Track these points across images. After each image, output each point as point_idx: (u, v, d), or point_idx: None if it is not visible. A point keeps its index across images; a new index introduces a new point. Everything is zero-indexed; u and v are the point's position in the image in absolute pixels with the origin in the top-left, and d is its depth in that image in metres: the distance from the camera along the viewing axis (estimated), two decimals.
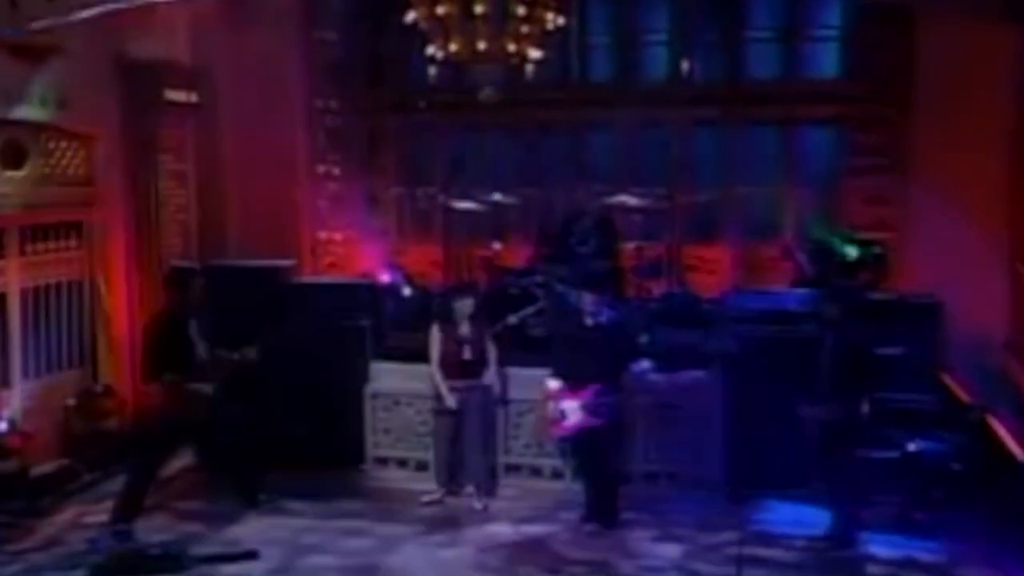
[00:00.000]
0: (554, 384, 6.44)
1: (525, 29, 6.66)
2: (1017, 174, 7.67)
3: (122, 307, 7.97)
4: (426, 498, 6.98)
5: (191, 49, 8.58)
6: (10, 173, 7.15)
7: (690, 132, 9.22)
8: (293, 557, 6.10)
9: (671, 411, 7.01)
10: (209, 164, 8.82)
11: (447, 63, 6.92)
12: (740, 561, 5.97)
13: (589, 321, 6.52)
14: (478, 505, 6.88)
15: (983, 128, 7.79)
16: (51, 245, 7.58)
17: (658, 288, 8.52)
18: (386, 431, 7.59)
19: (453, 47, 6.63)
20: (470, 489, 7.01)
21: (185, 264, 7.83)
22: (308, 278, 8.63)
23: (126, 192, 8.05)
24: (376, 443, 7.61)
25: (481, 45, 6.56)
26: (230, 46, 8.80)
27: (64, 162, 7.64)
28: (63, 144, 7.60)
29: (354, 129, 9.68)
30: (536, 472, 7.29)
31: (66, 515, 6.73)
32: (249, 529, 6.52)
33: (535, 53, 6.84)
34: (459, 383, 6.90)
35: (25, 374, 7.31)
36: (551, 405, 6.43)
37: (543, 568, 5.99)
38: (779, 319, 6.89)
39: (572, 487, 6.92)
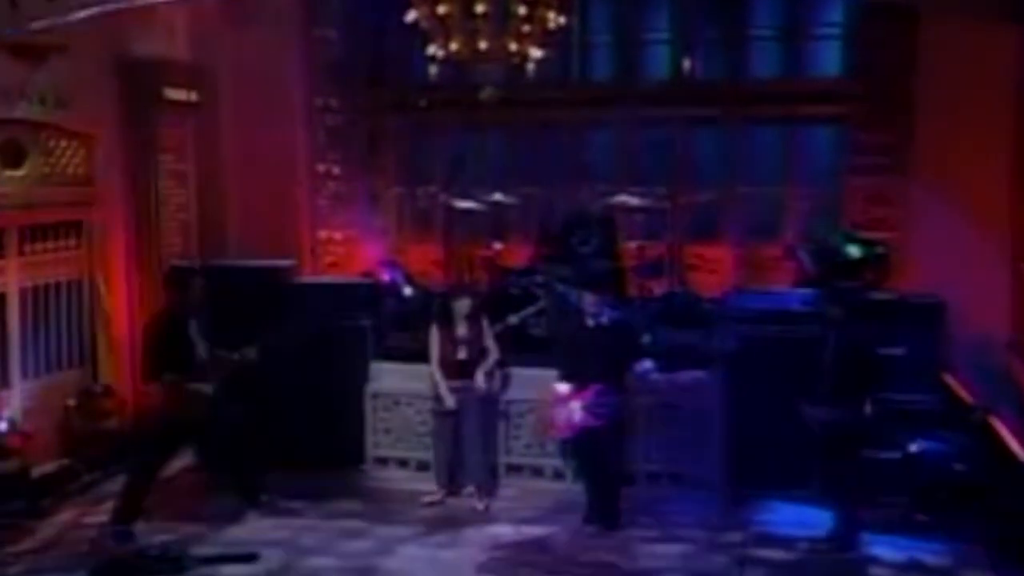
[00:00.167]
0: (563, 388, 6.41)
1: (526, 28, 6.64)
2: (1019, 173, 7.65)
3: (122, 307, 7.95)
4: (426, 499, 6.96)
5: (191, 48, 8.56)
6: (9, 172, 7.13)
7: (691, 131, 9.19)
8: (293, 558, 6.09)
9: (672, 411, 6.99)
10: (209, 163, 8.80)
11: (448, 62, 6.89)
12: (742, 562, 5.98)
13: (590, 322, 6.50)
14: (479, 506, 6.86)
15: (986, 127, 7.77)
16: (51, 245, 7.55)
17: (659, 288, 8.49)
18: (386, 431, 7.57)
19: (454, 46, 6.61)
20: (471, 489, 6.99)
21: (185, 264, 7.81)
22: (308, 278, 8.61)
23: (126, 191, 8.04)
24: (376, 443, 7.59)
25: (482, 44, 6.54)
26: (230, 45, 8.80)
27: (64, 161, 7.61)
28: (63, 143, 7.57)
29: (354, 128, 9.66)
30: (537, 473, 7.27)
31: (66, 516, 6.71)
32: (249, 530, 6.51)
33: (536, 52, 6.82)
34: (456, 383, 6.88)
35: (25, 374, 7.29)
36: (562, 408, 6.40)
37: (544, 569, 5.97)
38: (781, 319, 6.86)
39: (573, 488, 6.90)
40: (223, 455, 6.89)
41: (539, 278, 8.12)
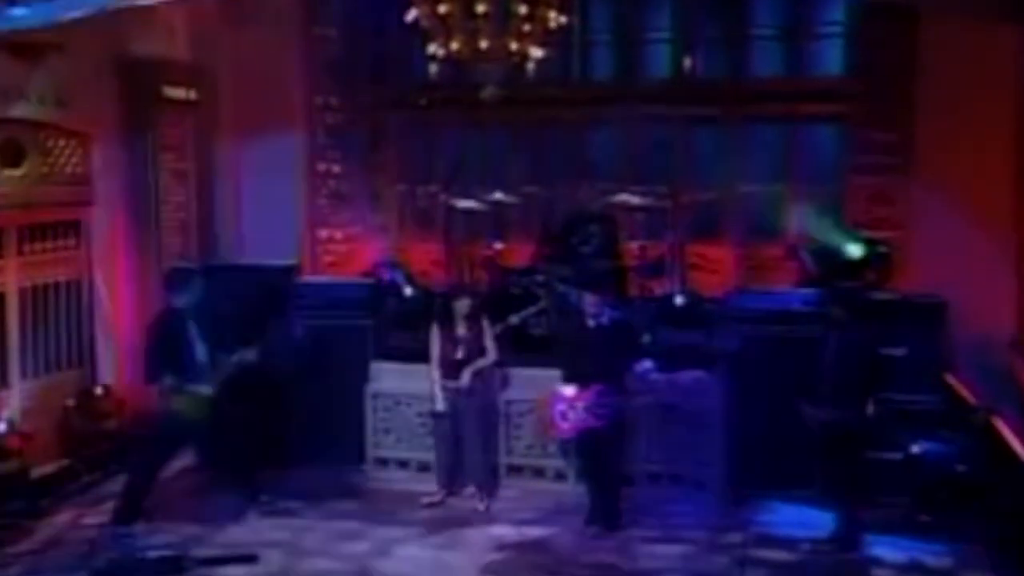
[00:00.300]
0: (567, 389, 6.38)
1: (527, 28, 6.62)
2: (1022, 172, 7.62)
3: (121, 306, 7.94)
4: (426, 499, 6.94)
5: (190, 46, 8.54)
6: (8, 172, 7.11)
7: (692, 130, 9.16)
8: (293, 559, 6.07)
9: (674, 412, 6.96)
10: (209, 162, 8.78)
11: (448, 61, 6.87)
12: (743, 563, 5.96)
13: (591, 322, 6.48)
14: (479, 506, 6.85)
15: (988, 126, 7.75)
16: (49, 244, 7.54)
17: (660, 288, 8.47)
18: (386, 431, 7.55)
19: (455, 46, 6.59)
20: (471, 490, 6.97)
21: (185, 264, 7.79)
22: (308, 277, 8.58)
23: (125, 191, 8.02)
24: (376, 443, 7.57)
25: (483, 44, 6.52)
26: (230, 43, 8.77)
27: (62, 161, 7.59)
28: (61, 142, 7.55)
29: (354, 127, 9.63)
30: (538, 473, 7.24)
31: (65, 516, 6.69)
32: (249, 530, 6.49)
33: (537, 52, 6.80)
34: (456, 383, 6.86)
35: (24, 374, 7.28)
36: (563, 408, 6.38)
37: (546, 570, 5.95)
38: (783, 319, 6.85)
39: (574, 489, 6.88)
40: (223, 456, 6.90)
41: (540, 278, 8.10)
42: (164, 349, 6.41)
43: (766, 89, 8.95)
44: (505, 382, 7.21)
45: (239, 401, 6.70)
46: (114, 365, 7.88)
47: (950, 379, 7.09)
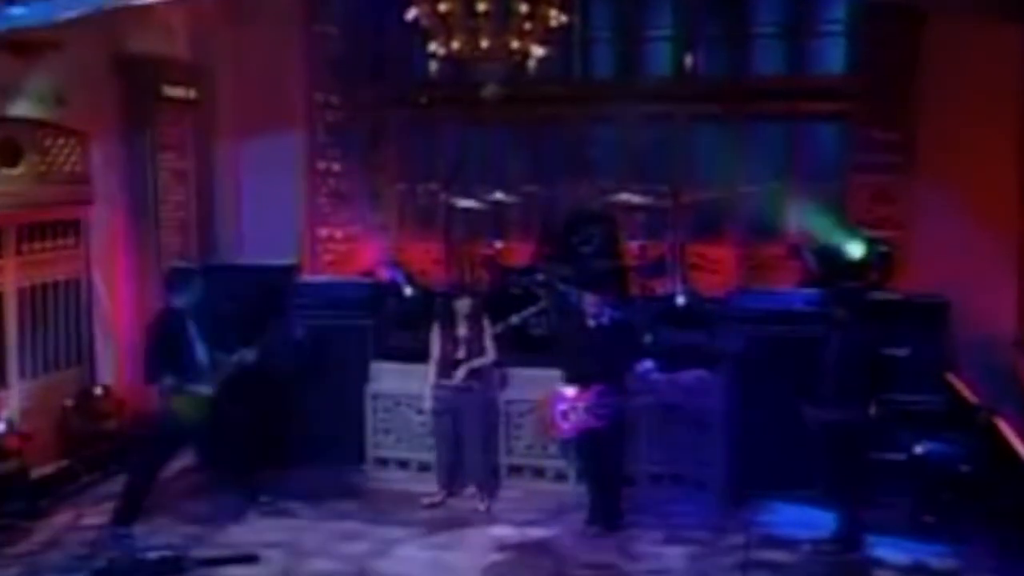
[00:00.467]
0: (570, 390, 6.36)
1: (528, 26, 6.60)
2: None
3: (120, 306, 7.92)
4: (427, 500, 6.92)
5: (190, 45, 8.52)
6: (6, 171, 7.07)
7: (693, 129, 9.14)
8: (293, 559, 6.05)
9: (675, 412, 6.94)
10: (208, 161, 8.75)
11: (449, 60, 6.85)
12: (745, 564, 5.94)
13: (591, 322, 6.45)
14: (480, 507, 6.82)
15: (990, 124, 7.73)
16: (48, 244, 7.51)
17: (661, 287, 8.44)
18: (386, 432, 7.53)
19: (455, 45, 6.56)
20: (472, 491, 6.95)
21: (185, 264, 7.76)
22: (308, 277, 8.56)
23: (124, 190, 8.00)
24: (376, 444, 7.54)
25: (484, 43, 6.50)
26: (229, 42, 8.74)
27: (61, 159, 7.55)
28: (60, 141, 7.51)
29: (355, 125, 9.61)
30: (539, 474, 7.21)
31: (65, 517, 6.67)
32: (249, 530, 6.47)
33: (538, 50, 6.78)
34: (453, 383, 6.82)
35: (23, 374, 7.24)
36: (563, 409, 6.35)
37: (546, 571, 5.94)
38: (785, 319, 6.82)
39: (575, 489, 6.86)
40: (223, 456, 6.88)
41: (540, 277, 8.08)
42: (164, 349, 6.39)
43: (767, 87, 8.93)
44: (504, 382, 7.18)
45: (239, 401, 6.68)
46: (113, 365, 7.86)
47: (953, 379, 7.07)
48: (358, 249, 9.44)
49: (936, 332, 6.83)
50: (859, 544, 6.07)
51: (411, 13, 6.73)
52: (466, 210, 8.77)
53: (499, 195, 8.76)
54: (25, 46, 6.91)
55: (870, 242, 7.87)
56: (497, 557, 6.10)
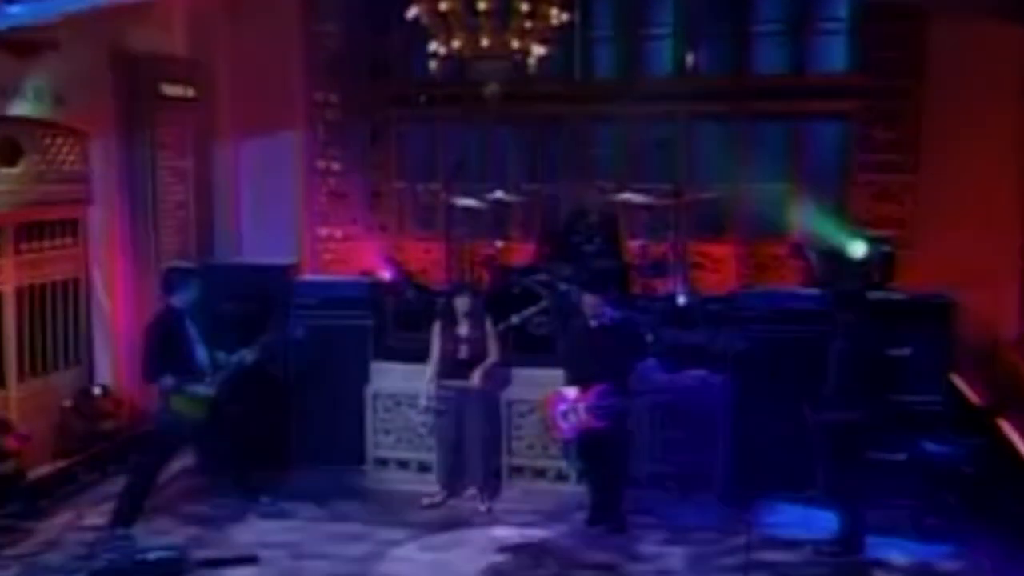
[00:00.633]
0: (571, 391, 6.34)
1: (529, 25, 6.58)
2: None
3: (119, 305, 7.89)
4: (427, 500, 6.90)
5: (189, 43, 8.49)
6: (5, 170, 7.04)
7: (696, 127, 9.10)
8: (293, 560, 6.04)
9: (677, 412, 6.91)
10: (207, 160, 8.72)
11: (449, 59, 6.82)
12: (747, 565, 5.92)
13: (593, 322, 6.43)
14: (481, 507, 6.80)
15: (994, 124, 7.72)
16: (47, 243, 7.49)
17: (663, 287, 8.41)
18: (387, 432, 7.50)
19: (456, 43, 6.54)
20: (472, 491, 6.93)
21: (184, 264, 7.73)
22: (308, 276, 8.52)
23: (123, 189, 7.96)
24: (377, 444, 7.52)
25: (484, 41, 6.47)
26: (228, 39, 8.71)
27: (60, 158, 7.53)
28: (58, 140, 7.49)
29: (355, 124, 9.58)
30: (540, 474, 7.19)
31: (64, 518, 6.64)
32: (249, 531, 6.46)
33: (539, 49, 6.75)
34: (457, 382, 6.81)
35: (21, 375, 7.22)
36: (565, 409, 6.33)
37: (548, 572, 5.92)
38: (787, 319, 6.80)
39: (577, 489, 6.83)
40: (223, 457, 6.86)
41: (541, 277, 8.04)
42: (163, 349, 6.37)
43: (770, 86, 8.89)
44: (505, 381, 7.15)
45: (239, 401, 6.66)
46: (112, 365, 7.84)
47: (956, 380, 7.05)
48: (358, 249, 9.41)
49: (939, 332, 6.80)
50: (861, 545, 6.05)
51: (411, 12, 6.71)
52: (466, 209, 8.72)
53: (500, 194, 8.72)
54: (24, 45, 6.88)
55: (872, 241, 7.85)
56: (498, 558, 6.08)
